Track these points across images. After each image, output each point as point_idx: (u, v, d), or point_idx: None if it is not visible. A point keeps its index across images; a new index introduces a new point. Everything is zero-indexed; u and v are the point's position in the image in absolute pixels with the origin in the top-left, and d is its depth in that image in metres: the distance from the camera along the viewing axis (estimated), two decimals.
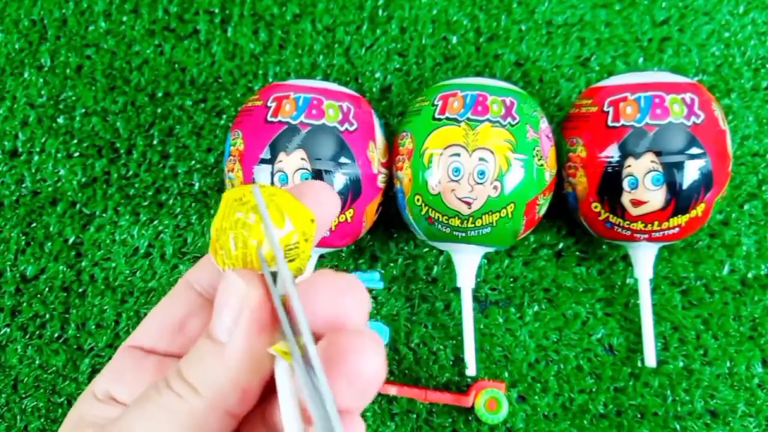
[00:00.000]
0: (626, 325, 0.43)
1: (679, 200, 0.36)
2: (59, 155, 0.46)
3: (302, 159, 0.37)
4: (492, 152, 0.36)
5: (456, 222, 0.37)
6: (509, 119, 0.37)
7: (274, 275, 0.19)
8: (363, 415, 0.43)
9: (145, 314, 0.44)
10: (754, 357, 0.42)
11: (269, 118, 0.37)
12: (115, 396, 0.20)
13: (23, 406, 0.43)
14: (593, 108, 0.39)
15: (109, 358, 0.44)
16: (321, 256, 0.44)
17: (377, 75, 0.47)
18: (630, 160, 0.36)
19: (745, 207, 0.45)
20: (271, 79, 0.47)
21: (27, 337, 0.44)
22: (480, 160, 0.36)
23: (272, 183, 0.37)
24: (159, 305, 0.22)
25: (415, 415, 0.42)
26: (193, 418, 0.17)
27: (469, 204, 0.37)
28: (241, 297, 0.18)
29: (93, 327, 0.44)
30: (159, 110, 0.47)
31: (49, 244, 0.45)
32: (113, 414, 0.19)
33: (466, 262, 0.40)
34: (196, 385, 0.18)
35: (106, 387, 0.20)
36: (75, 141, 0.46)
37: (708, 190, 0.37)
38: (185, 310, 0.21)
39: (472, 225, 0.37)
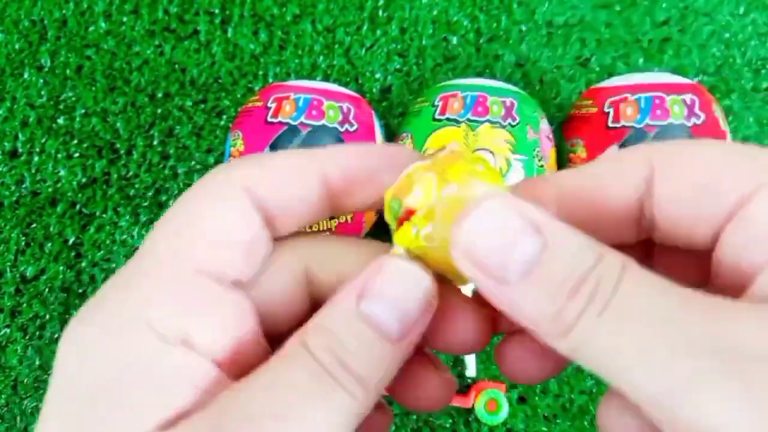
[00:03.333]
0: None
1: None
2: (59, 156, 0.46)
3: None
4: (492, 153, 0.36)
5: None
6: (509, 120, 0.37)
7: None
8: None
9: None
10: None
11: (269, 119, 0.37)
12: (194, 341, 0.15)
13: (23, 407, 0.43)
14: (593, 109, 0.39)
15: None
16: None
17: (377, 76, 0.47)
18: None
19: None
20: (271, 80, 0.47)
21: (27, 337, 0.44)
22: None
23: None
24: (209, 214, 0.16)
25: (415, 416, 0.42)
26: (360, 417, 0.15)
27: None
28: (428, 295, 0.16)
29: None
30: (159, 111, 0.47)
31: (49, 244, 0.45)
32: (206, 371, 0.15)
33: None
34: (370, 382, 0.15)
35: (175, 323, 0.15)
36: (75, 141, 0.46)
37: None
38: (251, 230, 0.17)
39: None
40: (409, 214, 0.16)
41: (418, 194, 0.16)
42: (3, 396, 0.43)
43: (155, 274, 0.16)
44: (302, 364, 0.15)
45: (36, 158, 0.46)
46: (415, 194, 0.16)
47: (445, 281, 0.17)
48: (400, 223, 0.17)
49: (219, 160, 0.46)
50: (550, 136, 0.40)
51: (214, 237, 0.16)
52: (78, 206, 0.46)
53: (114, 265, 0.45)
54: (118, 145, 0.46)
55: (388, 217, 0.17)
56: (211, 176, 0.17)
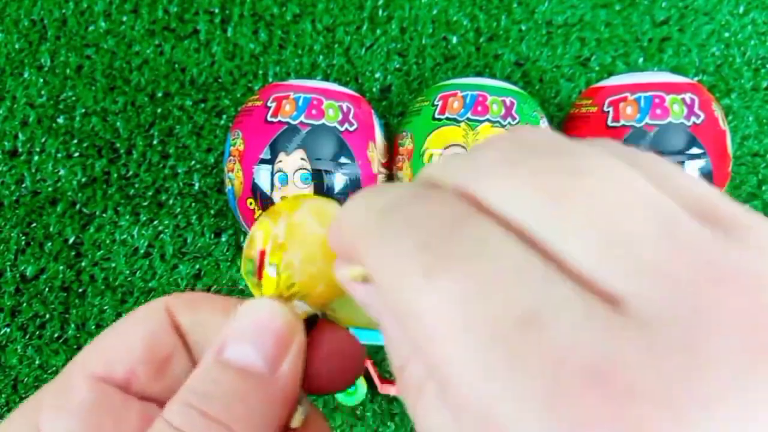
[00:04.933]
0: None
1: None
2: (59, 155, 0.46)
3: (302, 159, 0.37)
4: None
5: None
6: (509, 119, 0.37)
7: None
8: (363, 416, 0.43)
9: None
10: None
11: (269, 118, 0.37)
12: None
13: None
14: (593, 108, 0.39)
15: None
16: None
17: (377, 75, 0.47)
18: None
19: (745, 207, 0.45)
20: (271, 79, 0.47)
21: (27, 337, 0.44)
22: None
23: (272, 183, 0.37)
24: (128, 326, 0.17)
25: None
26: None
27: None
28: (288, 323, 0.16)
29: (93, 327, 0.44)
30: (159, 110, 0.47)
31: (49, 244, 0.45)
32: None
33: None
34: (236, 426, 0.14)
35: (60, 426, 0.15)
36: (75, 141, 0.46)
37: None
38: (170, 346, 0.17)
39: None
40: (262, 256, 0.17)
41: (260, 236, 0.17)
42: (3, 395, 0.43)
43: (53, 384, 0.16)
44: None
45: (36, 158, 0.46)
46: (257, 240, 0.17)
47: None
48: (260, 273, 0.17)
49: (219, 160, 0.46)
50: None
51: (114, 347, 0.16)
52: (78, 206, 0.46)
53: (114, 265, 0.45)
54: (118, 145, 0.46)
55: (249, 280, 0.17)
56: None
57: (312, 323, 0.17)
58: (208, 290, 0.45)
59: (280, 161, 0.37)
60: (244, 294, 0.45)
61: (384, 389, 0.41)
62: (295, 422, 0.16)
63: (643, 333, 0.09)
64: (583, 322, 0.09)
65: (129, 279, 0.44)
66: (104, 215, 0.45)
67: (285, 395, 0.15)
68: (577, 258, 0.10)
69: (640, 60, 0.47)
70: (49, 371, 0.44)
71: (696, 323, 0.09)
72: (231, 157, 0.39)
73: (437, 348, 0.10)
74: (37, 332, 0.44)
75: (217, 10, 0.48)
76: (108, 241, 0.45)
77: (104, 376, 0.16)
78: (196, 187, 0.46)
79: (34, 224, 0.45)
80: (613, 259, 0.10)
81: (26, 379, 0.44)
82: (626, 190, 0.10)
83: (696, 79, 0.46)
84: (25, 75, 0.48)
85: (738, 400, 0.08)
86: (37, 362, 0.44)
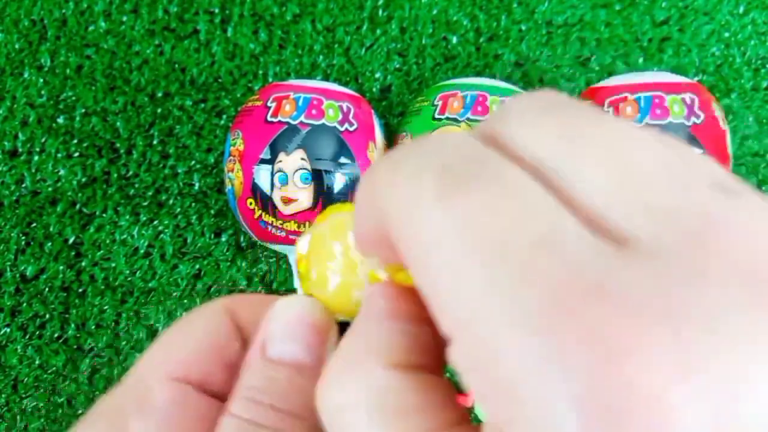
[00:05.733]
0: None
1: None
2: (59, 155, 0.46)
3: (302, 159, 0.37)
4: None
5: None
6: None
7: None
8: None
9: (145, 314, 0.44)
10: None
11: (269, 118, 0.37)
12: None
13: (23, 407, 0.43)
14: None
15: (110, 359, 0.44)
16: None
17: (377, 75, 0.47)
18: None
19: None
20: (271, 79, 0.47)
21: (27, 337, 0.44)
22: None
23: (272, 183, 0.37)
24: (194, 327, 0.17)
25: None
26: None
27: None
28: (323, 316, 0.17)
29: (93, 327, 0.44)
30: (159, 110, 0.47)
31: (49, 244, 0.45)
32: None
33: None
34: (304, 413, 0.15)
35: (144, 428, 0.15)
36: (75, 141, 0.46)
37: None
38: (235, 345, 0.17)
39: None
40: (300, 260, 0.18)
41: (299, 242, 0.18)
42: (3, 395, 0.43)
43: (132, 386, 0.16)
44: (233, 430, 0.15)
45: (36, 158, 0.46)
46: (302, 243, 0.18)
47: None
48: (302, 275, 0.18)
49: (219, 160, 0.46)
50: None
51: (187, 348, 0.17)
52: (78, 206, 0.46)
53: (114, 265, 0.45)
54: (118, 145, 0.46)
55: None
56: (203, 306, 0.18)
57: (344, 329, 0.18)
58: (208, 290, 0.45)
59: (280, 161, 0.37)
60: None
61: None
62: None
63: (649, 262, 0.09)
64: (591, 250, 0.09)
65: (129, 279, 0.45)
66: (104, 215, 0.45)
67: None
68: (589, 197, 0.10)
69: (640, 60, 0.47)
70: (49, 371, 0.44)
71: (701, 257, 0.09)
72: (231, 157, 0.39)
73: (438, 259, 0.10)
74: (37, 332, 0.44)
75: (217, 10, 0.48)
76: (108, 241, 0.45)
77: (181, 377, 0.16)
78: (196, 187, 0.46)
79: (34, 224, 0.45)
80: (624, 200, 0.10)
81: (26, 379, 0.44)
82: (642, 144, 0.11)
83: (696, 79, 0.46)
84: (25, 75, 0.48)
85: (738, 323, 0.08)
86: (37, 362, 0.44)
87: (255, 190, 0.38)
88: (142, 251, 0.45)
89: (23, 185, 0.46)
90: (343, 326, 0.17)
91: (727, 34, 0.47)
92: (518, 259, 0.09)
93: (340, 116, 0.38)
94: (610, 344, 0.08)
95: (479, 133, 0.12)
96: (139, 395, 0.16)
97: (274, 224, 0.38)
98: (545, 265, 0.09)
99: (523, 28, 0.48)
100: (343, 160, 0.37)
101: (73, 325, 0.44)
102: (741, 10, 0.47)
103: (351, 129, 0.38)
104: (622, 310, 0.09)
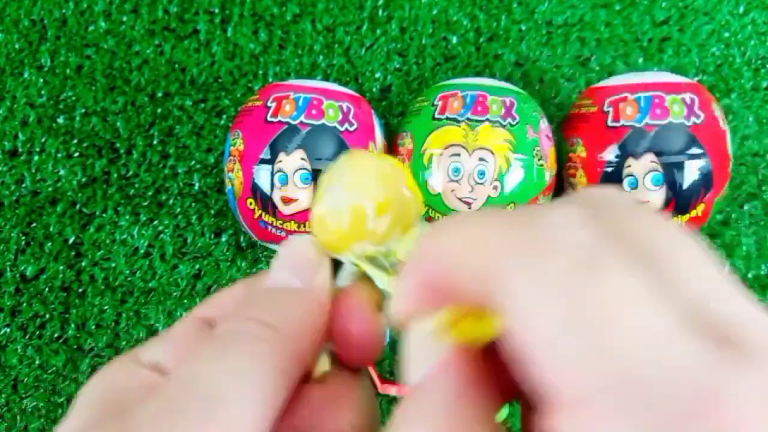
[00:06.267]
0: None
1: (678, 200, 0.36)
2: (59, 155, 0.46)
3: (302, 159, 0.37)
4: (492, 152, 0.36)
5: None
6: (509, 119, 0.37)
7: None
8: None
9: (145, 314, 0.44)
10: None
11: (269, 118, 0.37)
12: (164, 365, 0.17)
13: (23, 406, 0.43)
14: (593, 108, 0.39)
15: (109, 359, 0.44)
16: None
17: (377, 75, 0.47)
18: (630, 161, 0.36)
19: (745, 207, 0.45)
20: (271, 79, 0.47)
21: (27, 337, 0.44)
22: (480, 160, 0.36)
23: (272, 183, 0.37)
24: (233, 289, 0.20)
25: None
26: (274, 358, 0.15)
27: (469, 204, 0.37)
28: (316, 249, 0.19)
29: (93, 327, 0.44)
30: (159, 110, 0.47)
31: (49, 244, 0.45)
32: (159, 380, 0.16)
33: None
34: (277, 324, 0.16)
35: (153, 355, 0.17)
36: (75, 141, 0.46)
37: (708, 190, 0.37)
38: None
39: None
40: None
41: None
42: (3, 395, 0.43)
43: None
44: (213, 337, 0.16)
45: (36, 158, 0.46)
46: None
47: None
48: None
49: (219, 160, 0.46)
50: (550, 135, 0.40)
51: (221, 299, 0.20)
52: (78, 206, 0.46)
53: (114, 265, 0.45)
54: (118, 145, 0.46)
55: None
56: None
57: (339, 264, 0.20)
58: (208, 290, 0.45)
59: (280, 161, 0.37)
60: None
61: (384, 389, 0.41)
62: (318, 371, 0.18)
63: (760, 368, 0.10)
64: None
65: (129, 279, 0.45)
66: (104, 215, 0.45)
67: (320, 305, 0.18)
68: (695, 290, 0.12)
69: (640, 60, 0.47)
70: (49, 371, 0.44)
71: None
72: (231, 157, 0.39)
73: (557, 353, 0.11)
74: (37, 332, 0.44)
75: (217, 10, 0.48)
76: (108, 241, 0.45)
77: (205, 318, 0.19)
78: (196, 187, 0.46)
79: (34, 224, 0.45)
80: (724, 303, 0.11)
81: (26, 379, 0.44)
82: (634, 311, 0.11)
83: (696, 79, 0.46)
84: (25, 75, 0.48)
85: None
86: (37, 362, 0.44)
87: (255, 190, 0.38)
88: (142, 251, 0.45)
89: (23, 185, 0.46)
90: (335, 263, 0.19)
91: (727, 34, 0.47)
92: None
93: (340, 116, 0.38)
94: None
95: (595, 222, 0.12)
96: (165, 331, 0.18)
97: (274, 224, 0.38)
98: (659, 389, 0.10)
99: (523, 28, 0.47)
100: None
101: (73, 325, 0.44)
102: (741, 10, 0.47)
103: (351, 129, 0.38)
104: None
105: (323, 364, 0.18)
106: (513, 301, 0.12)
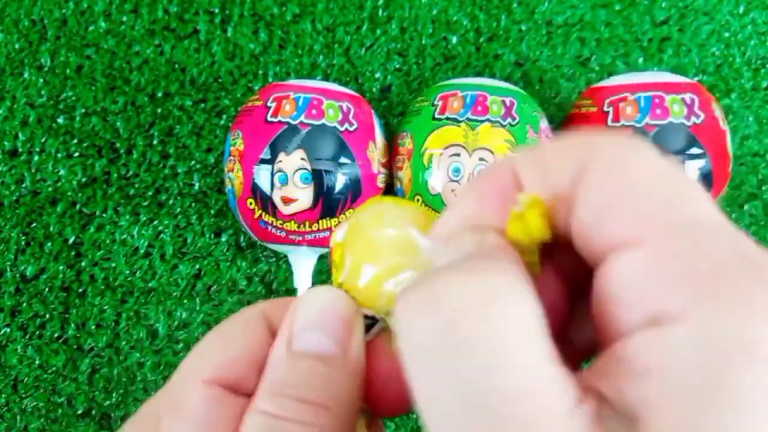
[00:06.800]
0: None
1: None
2: (59, 155, 0.46)
3: (302, 159, 0.37)
4: (492, 152, 0.36)
5: None
6: (509, 119, 0.37)
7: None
8: None
9: (145, 314, 0.44)
10: None
11: (269, 118, 0.37)
12: None
13: (23, 406, 0.43)
14: (593, 108, 0.39)
15: (110, 359, 0.44)
16: (321, 256, 0.44)
17: (377, 75, 0.47)
18: None
19: (745, 207, 0.45)
20: (271, 79, 0.47)
21: (27, 337, 0.44)
22: (480, 160, 0.36)
23: (272, 183, 0.37)
24: (233, 332, 0.18)
25: (415, 415, 0.42)
26: None
27: None
28: (349, 306, 0.17)
29: (93, 327, 0.44)
30: (159, 110, 0.47)
31: (49, 244, 0.45)
32: None
33: None
34: (322, 401, 0.15)
35: (183, 428, 0.16)
36: (75, 141, 0.46)
37: (708, 190, 0.37)
38: (261, 346, 0.17)
39: None
40: (331, 252, 0.18)
41: (335, 233, 0.18)
42: (3, 395, 0.43)
43: (172, 387, 0.17)
44: (257, 426, 0.15)
45: (36, 158, 0.46)
46: (332, 236, 0.18)
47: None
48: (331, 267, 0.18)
49: (219, 160, 0.46)
50: (550, 135, 0.40)
51: (224, 352, 0.17)
52: (78, 206, 0.46)
53: (114, 265, 0.45)
54: (118, 145, 0.46)
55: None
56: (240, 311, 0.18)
57: (370, 327, 0.17)
58: (208, 290, 0.45)
59: (280, 161, 0.37)
60: (243, 294, 0.45)
61: None
62: (359, 430, 0.17)
63: None
64: None
65: (129, 279, 0.45)
66: (104, 215, 0.45)
67: (358, 373, 0.16)
68: None
69: (640, 60, 0.47)
70: (49, 371, 0.44)
71: None
72: (231, 157, 0.39)
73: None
74: (37, 332, 0.44)
75: (217, 10, 0.48)
76: (108, 241, 0.45)
77: (216, 380, 0.16)
78: (196, 187, 0.46)
79: (34, 224, 0.45)
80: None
81: (26, 379, 0.44)
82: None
83: (696, 79, 0.46)
84: (25, 75, 0.48)
85: None
86: (37, 362, 0.44)
87: (255, 190, 0.38)
88: (142, 251, 0.45)
89: (23, 185, 0.46)
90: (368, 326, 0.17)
91: (727, 34, 0.47)
92: None
93: (340, 116, 0.38)
94: None
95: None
96: (175, 399, 0.16)
97: (274, 224, 0.38)
98: None
99: (523, 28, 0.48)
100: (343, 160, 0.37)
101: (73, 325, 0.44)
102: (741, 10, 0.47)
103: (351, 129, 0.38)
104: None
105: (361, 427, 0.17)
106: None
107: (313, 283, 0.42)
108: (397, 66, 0.47)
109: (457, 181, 0.36)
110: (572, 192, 0.13)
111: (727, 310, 0.10)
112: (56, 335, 0.44)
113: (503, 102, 0.37)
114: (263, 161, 0.37)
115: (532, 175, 0.14)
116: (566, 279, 0.15)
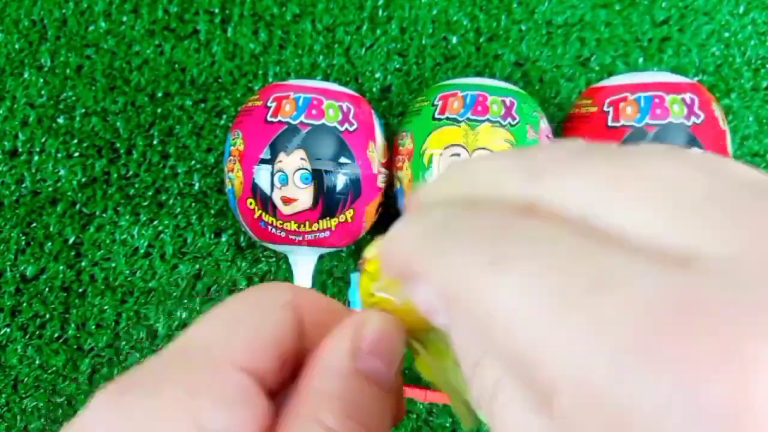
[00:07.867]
0: None
1: None
2: (59, 155, 0.46)
3: (302, 159, 0.37)
4: (492, 152, 0.36)
5: None
6: (509, 119, 0.37)
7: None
8: None
9: (145, 315, 0.44)
10: None
11: (269, 118, 0.37)
12: None
13: (23, 406, 0.43)
14: (593, 108, 0.39)
15: (110, 359, 0.44)
16: (321, 257, 0.44)
17: (377, 75, 0.47)
18: None
19: None
20: (271, 79, 0.47)
21: (27, 337, 0.44)
22: None
23: (272, 183, 0.37)
24: (263, 318, 0.17)
25: (415, 415, 0.42)
26: None
27: None
28: (399, 333, 0.17)
29: (93, 327, 0.44)
30: (159, 110, 0.47)
31: (49, 244, 0.45)
32: None
33: None
34: (378, 429, 0.16)
35: (220, 421, 0.15)
36: (75, 141, 0.46)
37: None
38: (294, 344, 0.17)
39: None
40: (363, 262, 0.19)
41: (368, 251, 0.19)
42: (3, 395, 0.43)
43: (203, 366, 0.16)
44: None
45: (36, 158, 0.46)
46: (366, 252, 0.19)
47: None
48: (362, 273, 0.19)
49: (219, 160, 0.46)
50: (550, 135, 0.40)
51: (254, 337, 0.16)
52: (78, 206, 0.46)
53: (114, 265, 0.45)
54: (118, 145, 0.46)
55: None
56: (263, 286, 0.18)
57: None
58: (208, 290, 0.45)
59: (280, 161, 0.37)
60: None
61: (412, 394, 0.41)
62: None
63: (722, 276, 0.09)
64: (657, 277, 0.09)
65: (129, 279, 0.45)
66: (104, 215, 0.45)
67: (396, 393, 0.17)
68: (643, 228, 0.10)
69: (640, 60, 0.47)
70: (49, 371, 0.44)
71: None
72: (231, 157, 0.39)
73: (516, 333, 0.10)
74: (37, 332, 0.44)
75: (217, 10, 0.48)
76: (108, 241, 0.45)
77: (248, 369, 0.16)
78: (196, 187, 0.46)
79: (34, 224, 0.45)
80: (681, 220, 0.10)
81: (26, 379, 0.44)
82: (684, 168, 0.11)
83: (696, 79, 0.46)
84: (25, 75, 0.48)
85: None
86: (37, 362, 0.44)
87: (255, 190, 0.38)
88: (142, 251, 0.45)
89: (23, 185, 0.46)
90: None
91: (727, 34, 0.47)
92: (585, 306, 0.10)
93: (340, 116, 0.38)
94: (723, 356, 0.08)
95: (514, 200, 0.12)
96: (212, 381, 0.15)
97: (274, 224, 0.38)
98: (614, 305, 0.09)
99: (523, 28, 0.48)
100: (343, 160, 0.37)
101: (73, 325, 0.44)
102: (741, 10, 0.47)
103: (351, 129, 0.38)
104: (713, 328, 0.09)
105: None
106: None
107: (313, 283, 0.42)
108: (397, 66, 0.47)
109: None
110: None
111: None
112: (56, 335, 0.44)
113: (503, 102, 0.37)
114: (263, 161, 0.37)
115: None
116: None
